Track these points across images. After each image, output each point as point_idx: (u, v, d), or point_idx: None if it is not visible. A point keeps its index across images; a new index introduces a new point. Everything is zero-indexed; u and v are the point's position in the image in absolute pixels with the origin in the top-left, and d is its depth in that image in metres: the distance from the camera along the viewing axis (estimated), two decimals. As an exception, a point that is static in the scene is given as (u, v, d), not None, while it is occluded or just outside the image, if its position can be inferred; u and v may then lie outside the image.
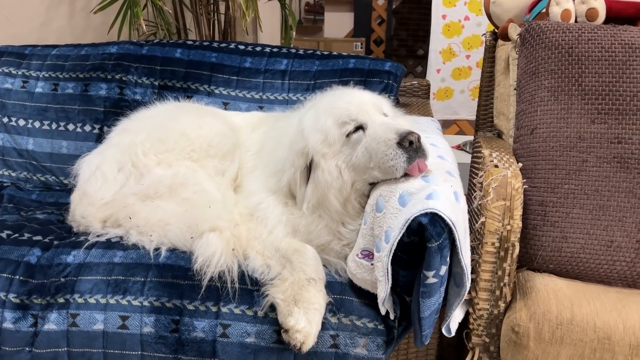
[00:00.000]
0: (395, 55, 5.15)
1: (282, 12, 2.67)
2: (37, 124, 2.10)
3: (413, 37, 5.15)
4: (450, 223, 1.20)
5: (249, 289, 1.41)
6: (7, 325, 1.42)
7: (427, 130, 1.66)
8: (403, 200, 1.29)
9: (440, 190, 1.25)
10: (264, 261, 1.44)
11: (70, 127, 2.09)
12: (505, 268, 1.32)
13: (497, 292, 1.35)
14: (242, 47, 2.15)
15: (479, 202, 1.32)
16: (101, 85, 2.10)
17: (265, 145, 1.65)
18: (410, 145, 1.30)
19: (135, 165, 1.65)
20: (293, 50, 2.13)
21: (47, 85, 2.13)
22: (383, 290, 1.28)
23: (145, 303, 1.41)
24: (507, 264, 1.32)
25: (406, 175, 1.33)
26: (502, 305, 1.36)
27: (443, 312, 1.37)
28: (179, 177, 1.61)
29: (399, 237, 1.21)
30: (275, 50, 2.13)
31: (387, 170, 1.32)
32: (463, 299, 1.32)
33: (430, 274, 1.21)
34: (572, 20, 1.59)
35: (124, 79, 2.10)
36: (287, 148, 1.49)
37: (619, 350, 1.23)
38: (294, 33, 2.78)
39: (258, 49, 2.14)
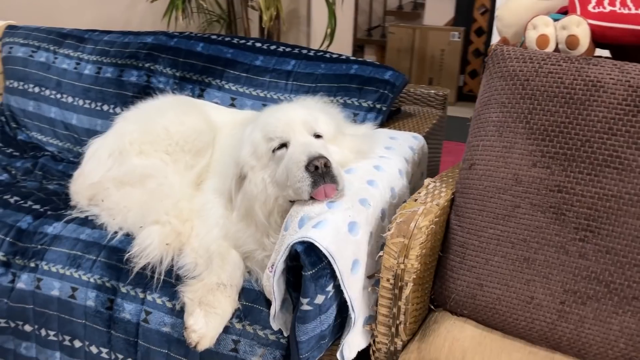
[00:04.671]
0: (496, 48, 4.82)
1: (328, 11, 2.66)
2: (80, 102, 2.38)
3: (519, 30, 4.77)
4: (327, 254, 1.19)
5: (173, 283, 1.52)
6: (-7, 278, 1.68)
7: (384, 151, 1.61)
8: (302, 223, 1.30)
9: (331, 220, 1.25)
10: (194, 259, 1.54)
11: (105, 107, 2.34)
12: (400, 306, 1.28)
13: (393, 329, 1.31)
14: (258, 44, 2.22)
15: (385, 234, 1.28)
16: (133, 72, 2.31)
17: (227, 146, 1.73)
18: (315, 170, 1.30)
19: (121, 152, 1.82)
20: (304, 51, 2.15)
21: (93, 68, 2.39)
22: (272, 308, 1.31)
23: (91, 279, 1.59)
24: (401, 303, 1.27)
25: (313, 198, 1.33)
26: (398, 342, 1.32)
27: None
28: (149, 168, 1.76)
29: (280, 260, 1.23)
30: (287, 50, 2.17)
31: (296, 191, 1.33)
32: (353, 329, 1.31)
33: (305, 301, 1.22)
34: (551, 48, 1.42)
35: (152, 68, 2.29)
36: (230, 155, 1.56)
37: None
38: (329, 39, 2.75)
39: (272, 47, 2.19)
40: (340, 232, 1.24)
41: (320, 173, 1.30)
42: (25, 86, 2.52)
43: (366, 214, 1.32)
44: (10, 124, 2.55)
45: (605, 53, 1.56)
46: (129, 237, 1.64)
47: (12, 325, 1.70)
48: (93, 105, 2.36)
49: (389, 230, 1.27)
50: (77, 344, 1.63)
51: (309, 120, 1.43)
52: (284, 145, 1.41)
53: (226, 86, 2.17)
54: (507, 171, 1.31)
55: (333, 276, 1.23)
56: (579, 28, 1.38)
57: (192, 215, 1.65)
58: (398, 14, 5.83)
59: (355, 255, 1.27)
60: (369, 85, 1.97)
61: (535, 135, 1.30)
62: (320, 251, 1.19)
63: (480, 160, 1.36)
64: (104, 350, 1.59)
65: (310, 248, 1.20)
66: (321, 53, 2.13)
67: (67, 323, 1.62)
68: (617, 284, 1.21)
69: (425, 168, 1.87)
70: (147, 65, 2.30)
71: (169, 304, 1.50)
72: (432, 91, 2.20)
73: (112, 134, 1.92)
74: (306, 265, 1.20)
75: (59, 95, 2.43)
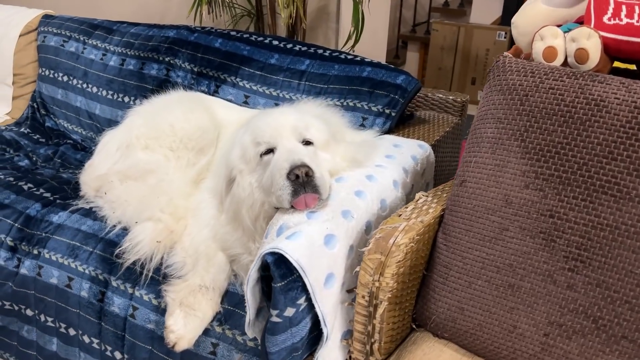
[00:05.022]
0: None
1: (353, 8, 2.61)
2: (104, 93, 2.43)
3: (570, 31, 4.55)
4: (298, 267, 1.16)
5: (161, 280, 1.53)
6: (1, 262, 1.75)
7: (383, 159, 1.56)
8: (279, 232, 1.28)
9: (306, 231, 1.22)
10: (183, 258, 1.55)
11: (126, 99, 2.38)
12: (375, 325, 1.23)
13: (368, 347, 1.27)
14: (275, 42, 2.19)
15: (363, 249, 1.24)
16: (153, 65, 2.34)
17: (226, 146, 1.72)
18: (297, 179, 1.27)
19: (128, 146, 1.85)
20: (320, 51, 2.11)
21: (118, 60, 2.44)
22: (247, 316, 1.30)
23: (86, 271, 1.63)
24: (376, 321, 1.23)
25: (293, 207, 1.30)
26: (373, 361, 1.28)
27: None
28: (152, 163, 1.77)
29: (253, 270, 1.22)
30: (303, 49, 2.14)
31: (277, 198, 1.31)
32: (326, 343, 1.28)
33: (275, 312, 1.20)
34: (559, 61, 1.33)
35: (171, 62, 2.31)
36: (224, 155, 1.55)
37: None
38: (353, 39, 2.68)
39: (289, 46, 2.17)
40: (314, 244, 1.21)
41: (301, 182, 1.27)
42: (56, 75, 2.60)
43: (347, 227, 1.29)
44: (40, 110, 2.64)
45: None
46: (125, 232, 1.66)
47: (16, 308, 1.76)
48: (115, 97, 2.40)
49: (367, 245, 1.23)
50: (72, 332, 1.67)
51: (298, 126, 1.40)
52: (271, 150, 1.38)
53: (240, 83, 2.16)
54: (497, 191, 1.24)
55: (305, 289, 1.20)
56: (589, 41, 1.28)
57: (188, 213, 1.66)
58: (444, 11, 5.67)
59: (331, 269, 1.24)
60: (380, 89, 1.91)
61: (530, 155, 1.22)
62: (291, 263, 1.16)
63: (471, 178, 1.29)
64: (95, 340, 1.62)
65: (280, 260, 1.17)
66: (336, 54, 2.08)
67: (63, 311, 1.67)
68: (606, 320, 1.13)
69: (431, 178, 1.80)
70: (167, 59, 2.32)
71: (155, 302, 1.52)
72: (451, 97, 2.12)
73: (122, 127, 1.95)
74: (275, 277, 1.17)
75: (84, 85, 2.49)
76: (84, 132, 2.52)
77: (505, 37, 4.72)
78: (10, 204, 1.85)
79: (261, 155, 1.39)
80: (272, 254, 1.18)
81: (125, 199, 1.73)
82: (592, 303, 1.14)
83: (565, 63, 1.34)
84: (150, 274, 1.54)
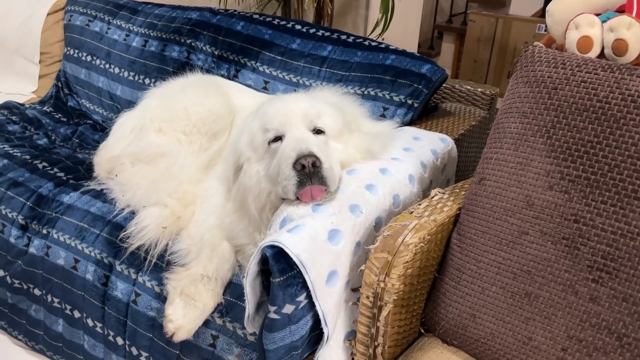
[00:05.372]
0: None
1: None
2: (125, 74, 2.41)
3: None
4: (298, 262, 1.10)
5: (164, 267, 1.49)
6: (12, 240, 1.75)
7: (400, 152, 1.47)
8: (283, 224, 1.22)
9: (309, 225, 1.15)
10: (188, 246, 1.50)
11: (147, 81, 2.35)
12: (379, 327, 1.16)
13: (371, 351, 1.20)
14: (298, 26, 2.12)
15: (369, 247, 1.16)
16: (174, 47, 2.30)
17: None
18: (303, 169, 1.20)
19: (142, 128, 1.82)
20: (343, 37, 2.02)
21: (140, 41, 2.40)
22: (247, 310, 1.24)
23: (92, 254, 1.60)
24: (380, 324, 1.15)
25: (299, 199, 1.24)
26: (376, 365, 1.21)
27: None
28: (164, 147, 1.73)
29: (253, 262, 1.16)
30: (326, 34, 2.06)
31: (283, 189, 1.24)
32: (327, 343, 1.21)
33: (273, 309, 1.14)
34: (595, 53, 1.21)
35: (193, 44, 2.26)
36: (234, 141, 1.50)
37: None
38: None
39: (311, 30, 2.09)
40: (317, 239, 1.14)
41: (308, 172, 1.20)
42: (80, 54, 2.59)
43: (354, 222, 1.21)
44: (64, 89, 2.64)
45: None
46: (134, 215, 1.63)
47: (25, 287, 1.75)
48: (136, 78, 2.37)
49: (375, 243, 1.16)
50: (77, 314, 1.65)
51: (309, 113, 1.33)
52: (279, 138, 1.31)
53: (260, 68, 2.10)
54: (518, 191, 1.15)
55: (305, 286, 1.13)
56: (630, 31, 1.17)
57: (196, 199, 1.61)
58: (483, 1, 5.48)
59: (334, 266, 1.17)
60: (403, 78, 1.82)
61: (555, 154, 1.12)
62: (291, 258, 1.10)
63: (491, 176, 1.20)
64: (99, 324, 1.60)
65: (280, 254, 1.11)
66: (360, 40, 2.00)
67: (69, 293, 1.65)
68: (631, 338, 1.03)
69: (452, 174, 1.71)
70: (188, 41, 2.27)
71: (157, 289, 1.48)
72: (479, 89, 2.01)
73: (138, 108, 1.91)
74: (274, 271, 1.11)
75: (107, 66, 2.47)
76: (104, 113, 2.51)
77: (545, 30, 4.51)
78: (23, 182, 1.84)
79: (269, 143, 1.33)
80: (272, 247, 1.11)
81: (136, 182, 1.69)
82: (617, 319, 1.04)
83: (601, 55, 1.22)
84: (154, 260, 1.51)
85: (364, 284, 1.16)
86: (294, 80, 2.03)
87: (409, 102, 1.79)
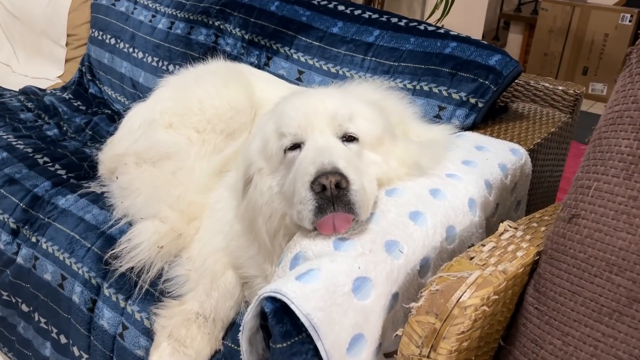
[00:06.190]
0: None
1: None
2: (149, 59, 2.16)
3: None
4: (308, 325, 0.79)
5: (157, 296, 1.21)
6: (1, 245, 1.53)
7: (458, 166, 1.14)
8: (295, 263, 0.91)
9: (326, 270, 0.84)
10: (187, 272, 1.22)
11: (170, 67, 2.09)
12: (418, 417, 0.84)
13: None
14: (341, 7, 1.80)
15: (411, 305, 0.84)
16: (202, 30, 2.03)
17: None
18: (323, 191, 0.89)
19: (151, 123, 1.55)
20: (394, 20, 1.68)
21: (167, 23, 2.15)
22: (243, 365, 0.94)
23: (80, 271, 1.36)
24: (420, 412, 0.83)
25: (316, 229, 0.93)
26: None
27: None
28: (172, 146, 1.46)
29: (248, 316, 0.86)
30: (373, 16, 1.72)
31: (298, 214, 0.94)
32: None
33: (274, 381, 0.84)
34: None
35: (221, 26, 1.98)
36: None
37: None
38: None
39: (357, 12, 1.76)
40: (337, 291, 0.83)
41: (330, 196, 0.89)
42: (104, 36, 2.36)
43: (390, 267, 0.89)
44: (87, 75, 2.43)
45: None
46: (131, 228, 1.36)
47: (14, 300, 1.54)
48: (160, 64, 2.12)
49: (418, 299, 0.83)
50: (63, 339, 1.41)
51: (339, 115, 1.01)
52: (298, 146, 1.00)
53: (295, 56, 1.79)
54: (630, 238, 0.79)
55: (318, 354, 0.82)
56: None
57: (203, 212, 1.33)
58: (557, -12, 4.94)
59: (359, 329, 0.85)
60: (465, 70, 1.47)
61: (693, 188, 0.75)
62: (299, 318, 0.79)
63: (588, 213, 0.84)
64: (85, 355, 1.35)
65: (284, 309, 0.80)
66: (414, 24, 1.65)
67: (55, 314, 1.41)
68: None
69: (524, 196, 1.35)
70: (217, 23, 1.99)
71: (146, 322, 1.21)
72: (560, 87, 1.63)
73: (150, 99, 1.65)
74: (275, 334, 0.81)
75: (131, 50, 2.24)
76: (126, 102, 2.27)
77: (630, 21, 3.99)
78: (19, 180, 1.62)
79: (285, 151, 1.02)
80: (273, 299, 0.81)
81: (137, 186, 1.43)
82: None
83: None
84: (146, 286, 1.24)
85: (401, 355, 0.84)
86: (333, 70, 1.71)
87: (472, 100, 1.44)
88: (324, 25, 1.77)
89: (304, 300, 0.79)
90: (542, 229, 0.99)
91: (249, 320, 0.87)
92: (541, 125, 1.50)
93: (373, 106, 1.09)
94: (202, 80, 1.55)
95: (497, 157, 1.24)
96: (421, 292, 0.84)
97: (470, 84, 1.45)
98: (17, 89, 2.36)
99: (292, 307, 0.79)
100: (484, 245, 0.92)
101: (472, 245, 1.06)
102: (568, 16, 4.29)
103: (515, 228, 0.98)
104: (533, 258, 0.91)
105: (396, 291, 0.90)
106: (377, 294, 0.86)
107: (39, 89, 2.35)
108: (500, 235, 0.96)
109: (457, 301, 0.80)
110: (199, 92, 1.51)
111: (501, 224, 0.99)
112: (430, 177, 1.08)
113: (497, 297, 0.83)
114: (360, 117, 1.03)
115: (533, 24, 4.61)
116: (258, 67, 1.85)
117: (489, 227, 1.17)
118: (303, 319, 0.79)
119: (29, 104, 2.18)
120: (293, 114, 1.02)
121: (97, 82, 2.40)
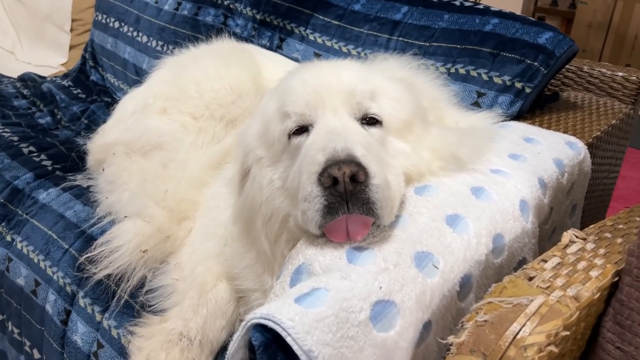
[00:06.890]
0: None
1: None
2: (153, 43, 1.99)
3: None
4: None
5: (138, 309, 1.02)
6: (-24, 244, 1.35)
7: (504, 160, 0.92)
8: (296, 278, 0.70)
9: (336, 289, 0.63)
10: (174, 281, 1.02)
11: (176, 52, 1.90)
12: None
13: None
14: (364, -19, 1.59)
15: (448, 340, 0.62)
16: (210, 10, 1.84)
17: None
18: (334, 185, 0.68)
19: (144, 108, 1.36)
20: (425, -6, 1.47)
21: (173, 4, 1.97)
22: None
23: (55, 276, 1.18)
24: None
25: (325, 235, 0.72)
26: None
27: None
28: (165, 135, 1.27)
29: (234, 345, 0.65)
30: (401, -10, 1.51)
31: (302, 214, 0.73)
32: None
33: None
34: None
35: (231, 6, 1.79)
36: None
37: None
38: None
39: (382, -14, 1.55)
40: (350, 319, 0.62)
41: (343, 192, 0.68)
42: (108, 20, 2.20)
43: (421, 288, 0.67)
44: (89, 61, 2.27)
45: None
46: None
47: (-12, 306, 1.36)
48: (164, 48, 1.95)
49: (458, 331, 0.62)
50: (37, 354, 1.23)
51: (358, 91, 0.80)
52: (305, 129, 0.80)
53: (311, 37, 1.59)
54: None
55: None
56: None
57: (196, 211, 1.13)
58: (596, -20, 4.65)
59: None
60: (510, 50, 1.25)
61: None
62: (295, 354, 0.58)
63: (696, 221, 0.62)
64: (59, 375, 1.16)
65: (278, 343, 0.60)
66: (449, -1, 1.43)
67: (28, 324, 1.24)
68: None
69: (581, 199, 1.12)
70: (226, 2, 1.81)
71: (124, 340, 1.01)
72: (620, 74, 1.39)
73: (146, 83, 1.47)
74: (264, 374, 0.60)
75: (135, 33, 2.07)
76: (128, 90, 2.09)
77: (678, 15, 3.70)
78: (0, 170, 1.44)
79: (290, 136, 0.81)
80: (263, 327, 0.60)
81: (125, 180, 1.24)
82: None
83: None
84: (125, 297, 1.04)
85: (433, 407, 0.62)
86: (354, 52, 1.51)
87: (518, 85, 1.21)
88: (345, 2, 1.56)
89: (304, 332, 0.58)
90: (619, 240, 0.77)
91: (234, 352, 0.66)
92: (599, 117, 1.27)
93: (401, 84, 0.87)
94: (201, 61, 1.35)
95: (551, 151, 1.01)
96: (462, 323, 0.63)
97: (515, 66, 1.23)
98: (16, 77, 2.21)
99: (289, 340, 0.58)
100: (545, 261, 0.70)
101: (524, 259, 0.84)
102: (609, 10, 4.01)
103: (584, 239, 0.76)
104: (611, 279, 0.69)
105: (428, 319, 0.69)
106: (404, 324, 0.65)
107: (39, 76, 2.19)
108: (565, 248, 0.74)
109: (514, 338, 0.59)
110: (197, 74, 1.32)
111: (565, 233, 0.76)
112: (471, 173, 0.87)
113: (567, 332, 0.60)
114: (385, 96, 0.82)
115: (571, 19, 4.33)
116: (270, 50, 1.65)
117: (541, 236, 0.94)
118: (303, 358, 0.58)
119: (25, 91, 2.03)
120: (300, 89, 0.81)
121: (99, 69, 2.23)
